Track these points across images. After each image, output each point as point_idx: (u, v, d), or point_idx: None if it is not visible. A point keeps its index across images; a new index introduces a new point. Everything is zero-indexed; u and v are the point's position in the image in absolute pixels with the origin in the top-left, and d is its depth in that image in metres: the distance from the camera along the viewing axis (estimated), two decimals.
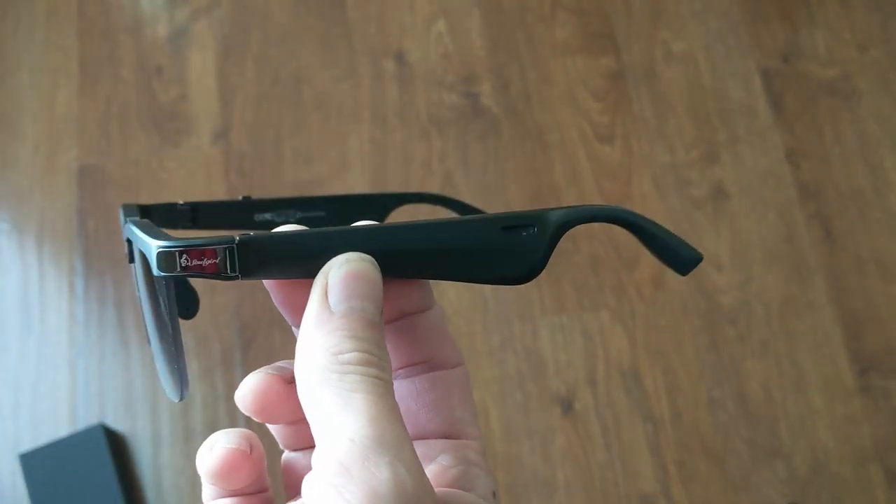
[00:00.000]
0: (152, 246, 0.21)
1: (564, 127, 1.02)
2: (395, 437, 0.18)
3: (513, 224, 0.22)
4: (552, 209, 0.23)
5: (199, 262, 0.21)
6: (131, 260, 0.24)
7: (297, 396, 0.20)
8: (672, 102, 1.02)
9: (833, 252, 0.95)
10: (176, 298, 0.23)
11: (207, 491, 0.24)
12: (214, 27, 1.08)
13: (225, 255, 0.21)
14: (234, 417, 0.91)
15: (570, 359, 0.92)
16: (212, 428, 0.91)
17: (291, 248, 0.21)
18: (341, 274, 0.20)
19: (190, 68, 1.07)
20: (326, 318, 0.20)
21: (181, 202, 0.30)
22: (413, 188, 1.00)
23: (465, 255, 0.22)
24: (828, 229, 0.96)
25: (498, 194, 0.99)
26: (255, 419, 0.24)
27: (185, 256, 0.21)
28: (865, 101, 1.01)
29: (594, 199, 0.98)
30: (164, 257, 0.21)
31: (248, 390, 0.23)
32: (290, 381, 0.23)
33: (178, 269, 0.21)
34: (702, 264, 0.97)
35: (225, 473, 0.23)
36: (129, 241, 0.24)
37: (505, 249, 0.22)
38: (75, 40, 1.09)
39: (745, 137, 1.00)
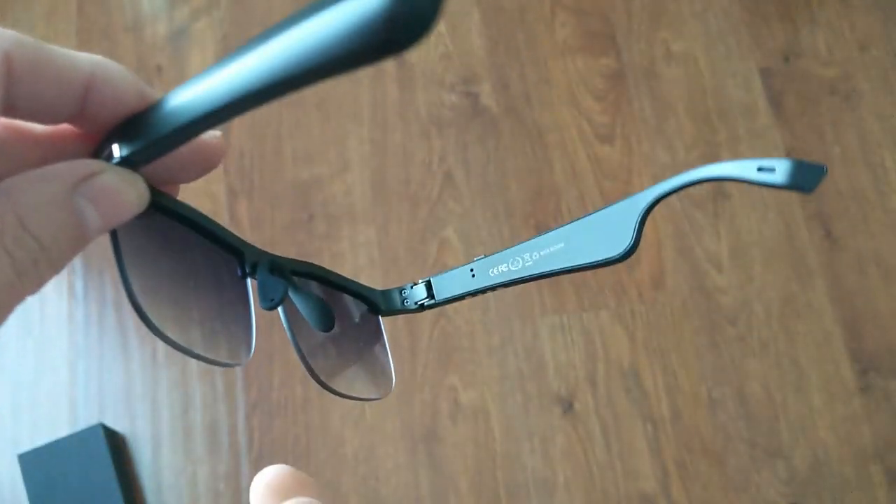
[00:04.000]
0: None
1: (564, 127, 1.02)
2: None
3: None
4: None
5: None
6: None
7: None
8: (672, 102, 1.02)
9: (833, 252, 0.95)
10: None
11: None
12: (214, 27, 1.08)
13: None
14: (234, 417, 0.91)
15: (570, 359, 0.92)
16: (212, 428, 0.91)
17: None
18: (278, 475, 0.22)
19: (190, 68, 1.07)
20: None
21: (416, 283, 0.30)
22: (413, 188, 1.00)
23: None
24: (828, 229, 0.96)
25: (498, 194, 0.99)
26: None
27: None
28: (866, 100, 1.01)
29: (594, 199, 0.98)
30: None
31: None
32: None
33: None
34: (702, 264, 0.97)
35: None
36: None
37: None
38: (75, 40, 1.09)
39: (745, 137, 1.00)
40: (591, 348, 0.92)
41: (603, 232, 0.25)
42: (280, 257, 0.26)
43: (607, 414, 0.90)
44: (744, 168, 0.22)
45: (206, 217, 0.24)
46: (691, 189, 0.92)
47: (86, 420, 0.92)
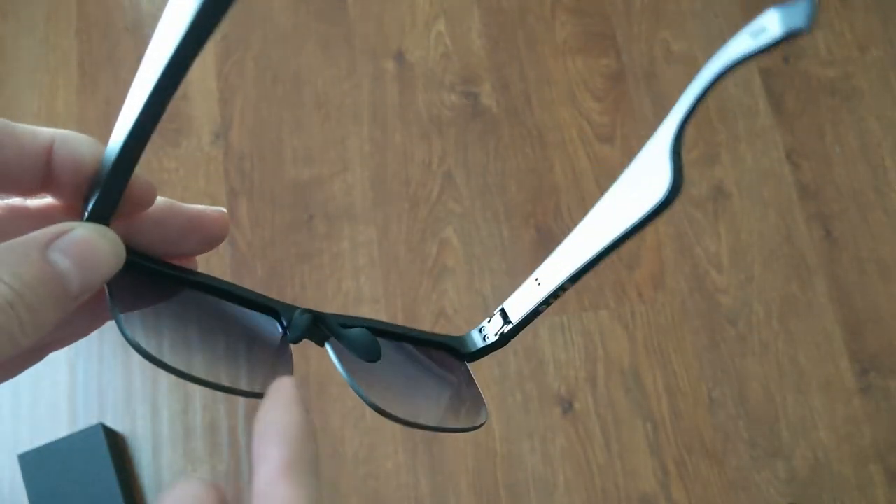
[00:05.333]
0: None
1: (564, 127, 1.02)
2: None
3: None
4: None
5: None
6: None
7: None
8: (672, 102, 1.02)
9: (833, 252, 0.95)
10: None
11: None
12: None
13: None
14: (233, 418, 0.91)
15: (570, 359, 0.92)
16: (211, 428, 0.91)
17: None
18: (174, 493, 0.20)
19: (190, 68, 1.07)
20: None
21: (490, 316, 0.29)
22: (413, 188, 1.00)
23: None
24: (828, 229, 0.96)
25: (498, 194, 0.99)
26: None
27: None
28: (866, 100, 1.01)
29: (594, 199, 0.98)
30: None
31: None
32: None
33: None
34: (702, 264, 0.97)
35: None
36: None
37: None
38: (75, 40, 1.09)
39: (745, 137, 1.00)
40: (591, 348, 0.92)
41: (643, 184, 0.24)
42: (325, 314, 0.25)
43: (607, 414, 0.90)
44: (740, 45, 0.21)
45: (215, 279, 0.24)
46: (691, 189, 0.92)
47: (86, 420, 0.92)
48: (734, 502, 0.87)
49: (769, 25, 0.19)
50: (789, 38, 0.19)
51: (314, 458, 0.20)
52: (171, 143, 1.03)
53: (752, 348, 0.92)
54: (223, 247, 0.98)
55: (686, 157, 1.01)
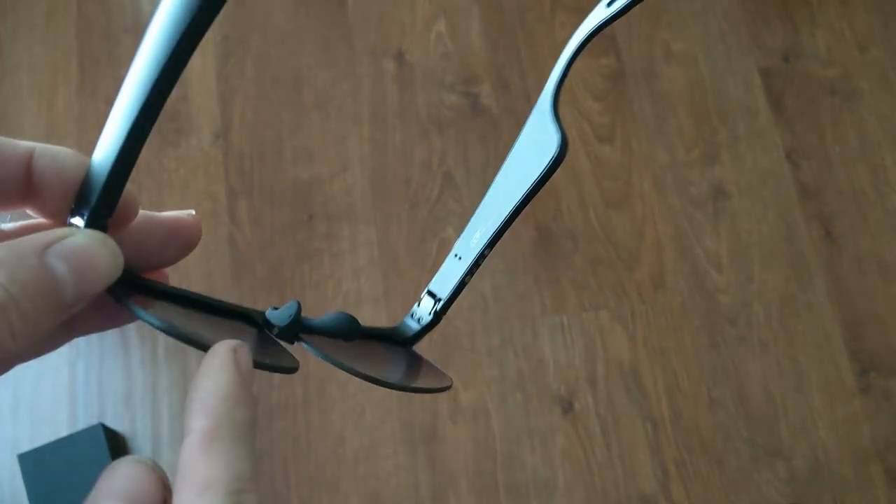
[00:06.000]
0: None
1: (565, 127, 1.01)
2: None
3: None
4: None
5: None
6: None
7: None
8: (672, 102, 1.02)
9: (833, 252, 0.95)
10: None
11: None
12: (214, 27, 1.08)
13: None
14: None
15: (570, 359, 0.92)
16: None
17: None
18: (101, 476, 0.19)
19: (190, 68, 1.07)
20: None
21: (419, 299, 0.30)
22: (413, 188, 1.00)
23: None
24: (828, 229, 0.96)
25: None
26: None
27: None
28: (866, 100, 1.01)
29: (594, 198, 0.98)
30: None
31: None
32: None
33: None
34: (702, 264, 0.97)
35: None
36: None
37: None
38: (75, 40, 1.09)
39: (745, 137, 1.00)
40: (591, 348, 0.92)
41: (535, 149, 0.26)
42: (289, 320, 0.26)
43: (607, 414, 0.90)
44: (598, 15, 0.24)
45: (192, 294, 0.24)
46: (692, 189, 0.92)
47: (86, 420, 0.92)
48: (734, 502, 0.87)
49: None
50: (636, 2, 0.22)
51: (245, 424, 0.19)
52: (171, 143, 1.03)
53: (752, 348, 0.92)
54: (223, 247, 0.98)
55: (686, 157, 1.01)
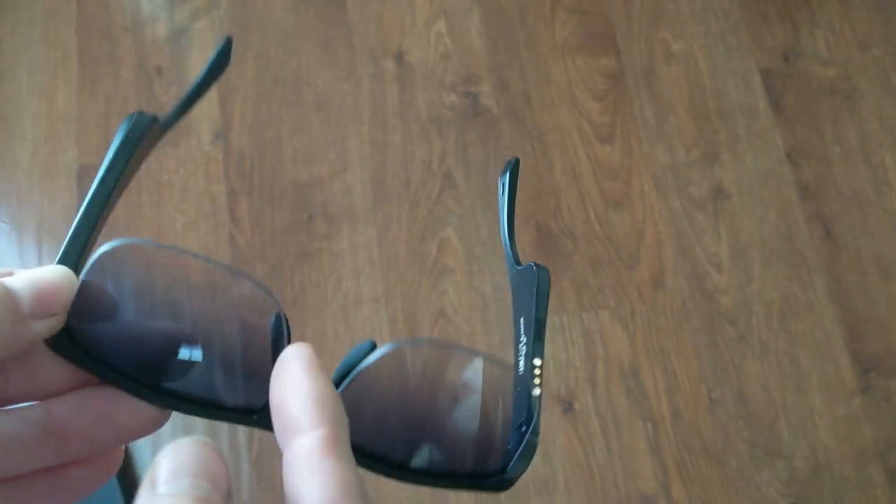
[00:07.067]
0: None
1: (564, 127, 1.01)
2: None
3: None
4: None
5: None
6: None
7: None
8: (672, 102, 1.02)
9: (833, 252, 0.95)
10: None
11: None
12: (214, 27, 1.08)
13: None
14: None
15: (570, 359, 0.92)
16: (212, 428, 0.91)
17: None
18: (165, 454, 0.18)
19: (190, 68, 1.07)
20: (147, 500, 0.17)
21: None
22: (413, 188, 1.00)
23: None
24: (828, 229, 0.96)
25: (498, 194, 0.99)
26: None
27: None
28: (866, 100, 1.01)
29: (594, 198, 0.98)
30: None
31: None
32: None
33: None
34: (702, 264, 0.97)
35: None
36: None
37: None
38: (75, 40, 1.09)
39: (745, 137, 1.00)
40: (591, 348, 0.92)
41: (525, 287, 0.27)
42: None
43: (607, 414, 0.90)
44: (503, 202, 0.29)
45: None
46: (692, 189, 0.92)
47: None
48: (734, 502, 0.87)
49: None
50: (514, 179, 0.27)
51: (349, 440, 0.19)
52: (171, 143, 1.03)
53: (752, 348, 0.92)
54: (223, 247, 0.98)
55: (686, 157, 1.01)
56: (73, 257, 0.22)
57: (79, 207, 0.23)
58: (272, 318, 0.22)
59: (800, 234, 0.96)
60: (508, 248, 0.29)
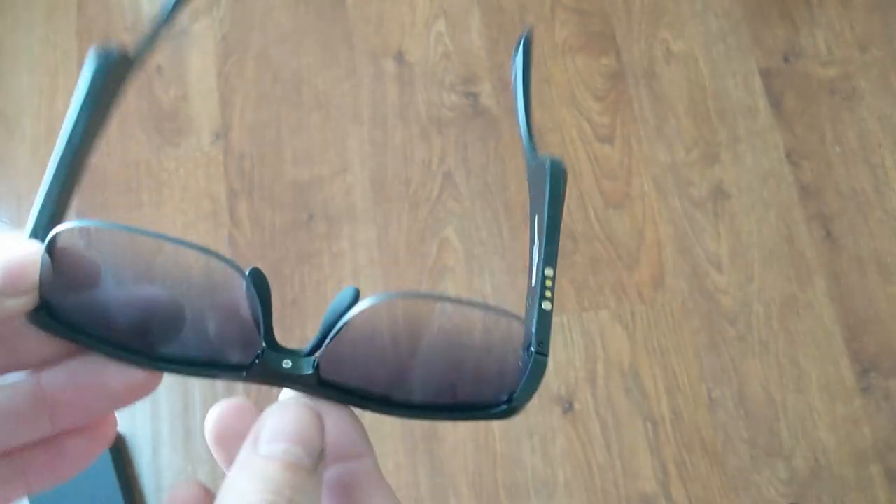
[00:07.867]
0: None
1: (564, 127, 1.01)
2: None
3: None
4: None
5: None
6: None
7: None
8: (672, 102, 1.02)
9: (833, 252, 0.95)
10: None
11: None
12: (214, 27, 1.08)
13: None
14: None
15: (570, 359, 0.92)
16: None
17: None
18: (270, 414, 0.20)
19: (190, 68, 1.07)
20: (249, 462, 0.19)
21: None
22: (413, 188, 1.00)
23: None
24: (828, 229, 0.96)
25: (498, 194, 0.99)
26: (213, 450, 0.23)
27: None
28: (866, 100, 1.01)
29: (594, 198, 0.98)
30: None
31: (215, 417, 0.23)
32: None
33: None
34: (702, 264, 0.97)
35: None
36: None
37: None
38: (75, 40, 1.09)
39: (745, 137, 1.00)
40: (591, 348, 0.92)
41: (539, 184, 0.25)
42: None
43: (607, 414, 0.90)
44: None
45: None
46: (692, 189, 0.92)
47: None
48: (734, 502, 0.87)
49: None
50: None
51: None
52: (171, 143, 1.03)
53: (752, 348, 0.92)
54: (223, 247, 0.98)
55: (686, 158, 1.01)
56: (42, 229, 0.21)
57: (47, 167, 0.22)
58: (249, 271, 0.22)
59: (800, 234, 0.96)
60: (526, 135, 0.26)
